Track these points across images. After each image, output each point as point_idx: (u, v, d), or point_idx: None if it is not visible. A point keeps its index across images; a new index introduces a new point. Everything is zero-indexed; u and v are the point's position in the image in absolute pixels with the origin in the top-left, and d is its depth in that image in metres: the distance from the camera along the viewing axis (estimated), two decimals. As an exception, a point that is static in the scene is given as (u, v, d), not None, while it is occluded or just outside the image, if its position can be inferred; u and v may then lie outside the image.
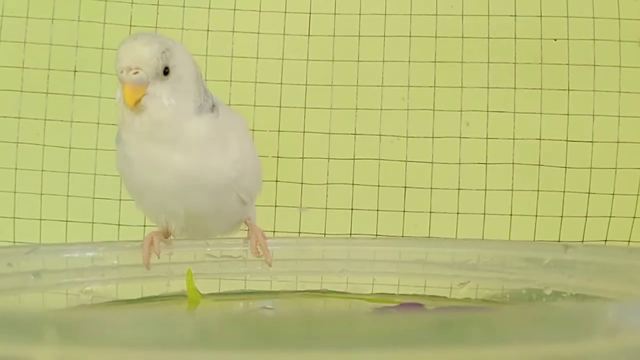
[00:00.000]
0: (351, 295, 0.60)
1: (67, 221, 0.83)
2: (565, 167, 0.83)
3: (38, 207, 0.83)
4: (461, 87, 0.84)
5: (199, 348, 0.21)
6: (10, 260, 0.53)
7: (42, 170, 0.84)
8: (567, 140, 0.84)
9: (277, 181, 0.84)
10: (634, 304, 0.25)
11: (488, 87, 0.84)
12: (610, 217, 0.82)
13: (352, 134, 0.85)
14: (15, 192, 0.83)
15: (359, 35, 0.85)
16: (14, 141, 0.84)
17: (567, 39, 0.84)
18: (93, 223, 0.84)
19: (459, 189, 0.84)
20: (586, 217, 0.82)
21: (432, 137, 0.85)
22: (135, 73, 0.49)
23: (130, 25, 0.84)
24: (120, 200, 0.83)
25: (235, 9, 0.85)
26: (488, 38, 0.84)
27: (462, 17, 0.85)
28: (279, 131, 0.85)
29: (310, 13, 0.85)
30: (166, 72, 0.50)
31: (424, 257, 0.61)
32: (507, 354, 0.22)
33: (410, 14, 0.85)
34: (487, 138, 0.84)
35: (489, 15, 0.84)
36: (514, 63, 0.84)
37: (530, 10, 0.84)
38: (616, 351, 0.23)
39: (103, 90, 0.84)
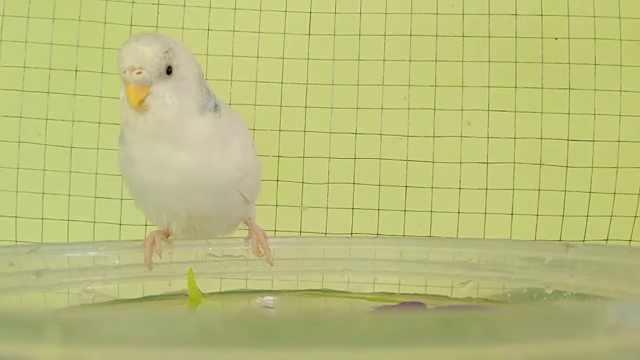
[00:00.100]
0: (352, 294, 0.60)
1: (68, 220, 0.84)
2: (567, 167, 0.83)
3: (40, 206, 0.83)
4: (462, 86, 0.84)
5: (200, 347, 0.21)
6: (12, 259, 0.53)
7: (44, 170, 0.84)
8: (568, 140, 0.84)
9: (277, 180, 0.84)
10: (635, 303, 0.25)
11: (489, 86, 0.84)
12: (611, 216, 0.82)
13: (353, 133, 0.85)
14: (17, 192, 0.83)
15: (360, 35, 0.85)
16: (16, 140, 0.84)
17: (568, 38, 0.84)
18: (94, 222, 0.84)
19: (460, 188, 0.84)
20: (587, 216, 0.82)
21: (433, 137, 0.85)
22: (138, 73, 0.49)
23: (131, 25, 0.84)
24: (121, 199, 0.83)
25: (235, 9, 0.86)
26: (489, 37, 0.84)
27: (463, 16, 0.85)
28: (279, 130, 0.85)
29: (310, 12, 0.85)
30: (169, 71, 0.50)
31: (425, 256, 0.61)
32: (508, 352, 0.22)
33: (411, 13, 0.85)
34: (488, 137, 0.84)
35: (489, 14, 0.84)
36: (515, 62, 0.84)
37: (531, 9, 0.84)
38: (617, 350, 0.23)
39: (104, 90, 0.84)
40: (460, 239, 0.80)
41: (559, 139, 0.84)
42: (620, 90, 0.83)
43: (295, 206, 0.84)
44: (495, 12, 0.84)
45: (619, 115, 0.83)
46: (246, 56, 0.85)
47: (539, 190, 0.84)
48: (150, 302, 0.57)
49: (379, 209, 0.84)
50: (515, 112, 0.84)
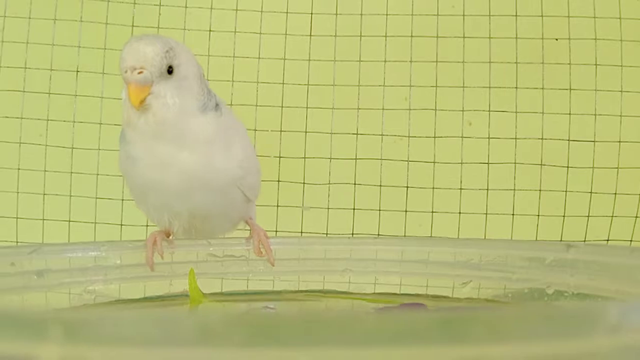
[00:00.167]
0: (353, 295, 0.60)
1: (69, 221, 0.84)
2: (567, 167, 0.83)
3: (41, 207, 0.83)
4: (463, 86, 0.84)
5: (201, 346, 0.21)
6: (13, 259, 0.53)
7: (45, 171, 0.84)
8: (569, 140, 0.84)
9: (279, 181, 0.84)
10: (635, 303, 0.25)
11: (490, 87, 0.84)
12: (612, 216, 0.82)
13: (354, 133, 0.85)
14: (18, 192, 0.84)
15: (361, 35, 0.85)
16: (17, 141, 0.84)
17: (569, 39, 0.84)
18: (95, 223, 0.84)
19: (461, 188, 0.84)
20: (588, 216, 0.82)
21: (434, 137, 0.85)
22: (139, 73, 0.49)
23: (132, 26, 0.84)
24: (122, 200, 0.83)
25: (237, 9, 0.86)
26: (489, 38, 0.84)
27: (464, 17, 0.85)
28: (280, 131, 0.85)
29: (311, 13, 0.85)
30: (170, 71, 0.50)
31: (426, 256, 0.61)
32: (509, 352, 0.22)
33: (412, 14, 0.85)
34: (489, 138, 0.84)
35: (490, 15, 0.84)
36: (516, 63, 0.84)
37: (531, 9, 0.84)
38: (618, 350, 0.23)
39: (105, 91, 0.84)
40: (461, 239, 0.80)
41: (559, 140, 0.84)
42: (621, 91, 0.83)
43: (297, 206, 0.84)
44: (495, 13, 0.84)
45: (620, 116, 0.83)
46: (247, 57, 0.85)
47: (539, 190, 0.84)
48: (152, 302, 0.57)
49: (380, 210, 0.84)
50: (516, 112, 0.84)
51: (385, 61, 0.85)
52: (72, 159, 0.84)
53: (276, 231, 0.83)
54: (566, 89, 0.84)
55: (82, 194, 0.84)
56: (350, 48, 0.85)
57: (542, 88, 0.84)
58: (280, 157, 0.85)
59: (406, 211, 0.84)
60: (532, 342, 0.22)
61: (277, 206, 0.84)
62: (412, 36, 0.85)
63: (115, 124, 0.81)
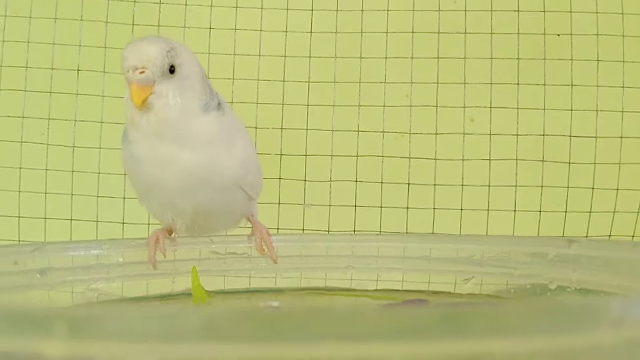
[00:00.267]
0: (356, 291, 0.60)
1: (71, 220, 0.84)
2: (569, 163, 0.83)
3: (43, 206, 0.84)
4: (464, 83, 0.84)
5: (205, 342, 0.21)
6: (16, 258, 0.53)
7: (47, 170, 0.84)
8: (571, 136, 0.84)
9: (280, 179, 0.84)
10: (638, 298, 0.25)
11: (491, 84, 0.84)
12: (614, 212, 0.82)
13: (355, 131, 0.85)
14: (20, 192, 0.84)
15: (362, 32, 0.85)
16: (19, 141, 0.84)
17: (571, 35, 0.84)
18: (98, 222, 0.84)
19: (463, 185, 0.84)
20: (590, 212, 0.82)
21: (436, 134, 0.85)
22: (141, 73, 0.49)
23: (133, 25, 0.84)
24: (124, 199, 0.83)
25: (237, 7, 0.86)
26: (491, 34, 0.84)
27: (465, 13, 0.85)
28: (282, 129, 0.85)
29: (312, 10, 0.85)
30: (172, 70, 0.50)
31: (429, 253, 0.62)
32: (512, 347, 0.22)
33: (413, 10, 0.85)
34: (490, 134, 0.84)
35: (492, 11, 0.84)
36: (518, 59, 0.84)
37: (533, 5, 0.84)
38: (620, 345, 0.23)
39: (107, 90, 0.84)
40: (464, 235, 0.80)
41: (561, 136, 0.84)
42: (623, 87, 0.83)
43: (298, 204, 0.84)
44: (497, 9, 0.84)
45: (622, 112, 0.83)
46: (248, 55, 0.85)
47: (542, 186, 0.84)
48: (155, 300, 0.57)
49: (381, 207, 0.84)
50: (517, 109, 0.84)
51: (386, 58, 0.85)
52: (74, 158, 0.84)
53: (278, 229, 0.83)
54: (568, 85, 0.84)
55: (84, 192, 0.84)
56: (351, 45, 0.85)
57: (544, 84, 0.84)
58: (281, 154, 0.85)
59: (408, 208, 0.84)
60: (534, 337, 0.22)
61: (279, 204, 0.84)
62: (413, 32, 0.85)
63: (116, 123, 0.81)
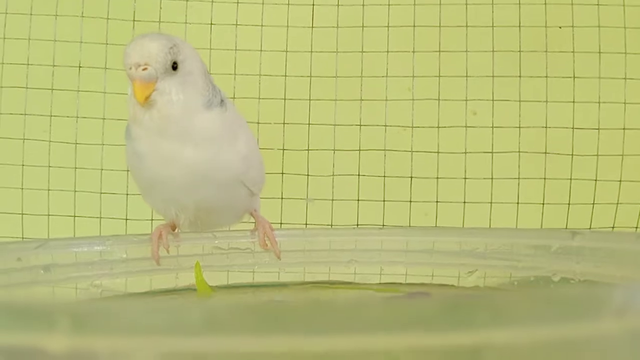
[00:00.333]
0: (359, 285, 0.60)
1: (74, 216, 0.84)
2: (572, 155, 0.83)
3: (46, 202, 0.84)
4: (466, 76, 0.84)
5: (208, 335, 0.21)
6: (19, 255, 0.53)
7: (49, 167, 0.84)
8: (573, 128, 0.83)
9: (283, 173, 0.84)
10: (641, 287, 0.25)
11: (493, 76, 0.84)
12: (617, 203, 0.82)
13: (357, 125, 0.85)
14: (22, 189, 0.84)
15: (363, 26, 0.85)
16: (21, 138, 0.84)
17: (572, 26, 0.83)
18: (101, 218, 0.84)
19: (465, 178, 0.84)
20: (593, 204, 0.82)
21: (438, 127, 0.84)
22: (144, 69, 0.49)
23: (134, 21, 0.84)
24: (127, 194, 0.83)
25: (238, 2, 0.85)
26: (492, 26, 0.84)
27: (466, 6, 0.84)
28: (284, 123, 0.85)
29: (313, 4, 0.85)
30: (175, 67, 0.50)
31: (431, 246, 0.61)
32: (515, 336, 0.22)
33: (414, 4, 0.85)
34: (493, 127, 0.84)
35: (493, 4, 0.84)
36: (519, 51, 0.84)
37: (534, -3, 0.84)
38: (623, 333, 0.23)
39: (108, 86, 0.84)
40: (467, 228, 0.80)
41: (564, 128, 0.84)
42: (624, 78, 0.83)
43: (301, 199, 0.84)
44: (498, 1, 0.84)
45: (624, 103, 0.83)
46: (249, 50, 0.85)
47: (544, 179, 0.84)
48: (158, 295, 0.57)
49: (384, 200, 0.84)
50: (519, 101, 0.84)
51: (387, 52, 0.85)
52: (76, 155, 0.84)
53: (281, 223, 0.83)
54: (570, 77, 0.84)
55: (87, 189, 0.84)
56: (352, 39, 0.85)
57: (546, 76, 0.84)
58: (283, 149, 0.85)
59: (411, 201, 0.84)
60: (538, 326, 0.22)
61: (282, 198, 0.84)
62: (414, 26, 0.85)
63: (118, 119, 0.81)
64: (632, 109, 0.83)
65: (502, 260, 0.57)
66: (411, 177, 0.84)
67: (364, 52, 0.85)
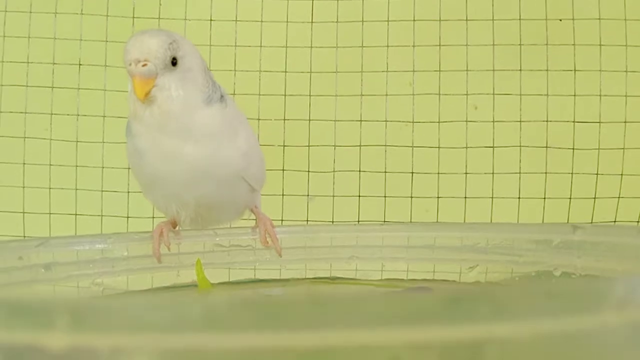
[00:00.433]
0: (360, 281, 0.60)
1: (76, 215, 0.84)
2: (573, 149, 0.83)
3: (47, 201, 0.84)
4: (467, 70, 0.84)
5: (208, 331, 0.21)
6: (20, 253, 0.53)
7: (50, 165, 0.84)
8: (574, 122, 0.83)
9: (283, 170, 0.84)
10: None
11: (494, 70, 0.84)
12: (618, 197, 0.82)
13: (357, 120, 0.85)
14: (23, 187, 0.84)
15: (363, 21, 0.85)
16: (21, 136, 0.84)
17: (573, 19, 0.83)
18: (102, 216, 0.84)
19: (466, 173, 0.84)
20: (595, 198, 0.82)
21: (439, 122, 0.84)
22: (143, 65, 0.49)
23: (134, 17, 0.84)
24: (128, 192, 0.83)
25: (237, -2, 0.85)
26: (492, 20, 0.84)
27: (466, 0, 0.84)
28: (284, 120, 0.85)
29: (312, 0, 0.85)
30: (174, 63, 0.50)
31: (433, 242, 0.61)
32: (516, 330, 0.22)
33: (414, -2, 0.84)
34: (493, 121, 0.84)
35: (493, -3, 0.84)
36: (520, 45, 0.84)
37: (534, -9, 0.84)
38: (624, 327, 0.23)
39: (108, 83, 0.84)
40: (468, 223, 0.80)
41: (565, 121, 0.83)
42: (625, 71, 0.83)
43: (302, 195, 0.84)
44: (498, -6, 0.84)
45: (625, 96, 0.83)
46: (249, 46, 0.85)
47: (545, 173, 0.83)
48: (160, 293, 0.57)
49: (385, 196, 0.84)
50: (520, 95, 0.84)
51: (387, 46, 0.85)
52: (77, 153, 0.84)
53: (282, 220, 0.83)
54: (571, 70, 0.83)
55: (88, 187, 0.84)
56: (352, 34, 0.85)
57: (547, 70, 0.83)
58: (284, 145, 0.85)
59: (412, 197, 0.84)
60: (539, 320, 0.22)
61: (283, 195, 0.84)
62: (414, 20, 0.84)
63: (118, 116, 0.81)
64: (633, 102, 0.83)
65: (503, 255, 0.57)
66: (412, 173, 0.84)
67: (364, 47, 0.85)
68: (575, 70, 0.83)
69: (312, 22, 0.85)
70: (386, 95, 0.85)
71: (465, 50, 0.84)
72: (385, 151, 0.85)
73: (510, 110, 0.84)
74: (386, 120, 0.85)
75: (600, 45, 0.83)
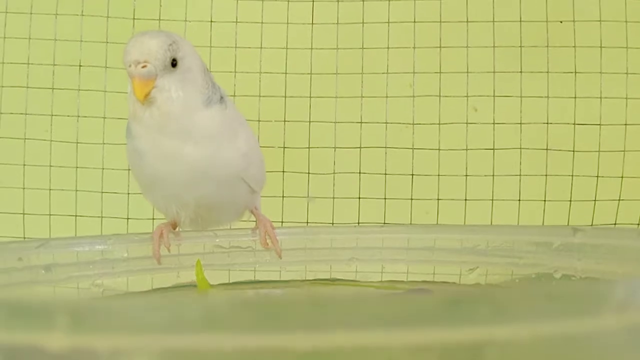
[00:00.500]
0: (360, 283, 0.60)
1: (76, 216, 0.84)
2: (573, 151, 0.83)
3: (47, 202, 0.84)
4: (467, 72, 0.84)
5: (207, 332, 0.21)
6: (20, 254, 0.53)
7: (50, 166, 0.84)
8: (574, 124, 0.83)
9: (283, 171, 0.84)
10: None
11: (494, 72, 0.84)
12: (619, 200, 0.82)
13: (358, 122, 0.85)
14: (24, 188, 0.84)
15: (363, 23, 0.85)
16: (21, 137, 0.84)
17: (573, 21, 0.83)
18: (102, 217, 0.84)
19: (466, 175, 0.84)
20: (595, 200, 0.82)
21: (439, 124, 0.84)
22: (143, 66, 0.49)
23: (134, 19, 0.84)
24: (128, 194, 0.83)
25: None
26: (493, 22, 0.84)
27: (467, 1, 0.84)
28: (284, 121, 0.85)
29: (313, 1, 0.85)
30: (174, 64, 0.50)
31: (433, 243, 0.61)
32: (516, 332, 0.22)
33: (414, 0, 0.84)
34: (494, 123, 0.84)
35: (493, -1, 0.84)
36: (520, 46, 0.83)
37: (535, -8, 0.84)
38: (624, 329, 0.23)
39: (108, 85, 0.84)
40: (468, 225, 0.80)
41: (565, 124, 0.83)
42: (626, 73, 0.83)
43: (302, 197, 0.84)
44: (499, -4, 0.84)
45: (626, 98, 0.83)
46: (249, 47, 0.85)
47: (546, 175, 0.83)
48: (160, 294, 0.57)
49: (385, 198, 0.84)
50: (521, 97, 0.84)
51: (388, 48, 0.85)
52: (77, 154, 0.84)
53: (282, 221, 0.83)
54: (571, 72, 0.83)
55: (88, 188, 0.84)
56: (352, 36, 0.85)
57: (547, 72, 0.83)
58: (284, 147, 0.85)
59: (412, 199, 0.84)
60: (539, 323, 0.22)
61: (283, 197, 0.84)
62: (414, 22, 0.84)
63: (119, 118, 0.81)
64: (634, 104, 0.83)
65: (503, 258, 0.57)
66: (412, 175, 0.84)
67: (364, 48, 0.85)
68: (575, 72, 0.83)
69: (312, 23, 0.85)
70: (386, 97, 0.85)
71: (466, 52, 0.84)
72: (386, 153, 0.85)
73: (510, 112, 0.84)
74: (386, 122, 0.85)
75: (600, 47, 0.83)
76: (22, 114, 0.84)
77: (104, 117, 0.84)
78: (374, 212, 0.84)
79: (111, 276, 0.57)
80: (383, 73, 0.85)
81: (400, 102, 0.85)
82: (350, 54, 0.85)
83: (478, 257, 0.58)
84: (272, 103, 0.85)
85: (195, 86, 0.52)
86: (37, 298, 0.20)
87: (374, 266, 0.62)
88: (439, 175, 0.84)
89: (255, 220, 0.60)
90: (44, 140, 0.84)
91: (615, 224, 0.82)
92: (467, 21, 0.84)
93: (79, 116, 0.85)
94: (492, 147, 0.84)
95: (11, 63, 0.84)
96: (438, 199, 0.84)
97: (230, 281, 0.61)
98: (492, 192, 0.83)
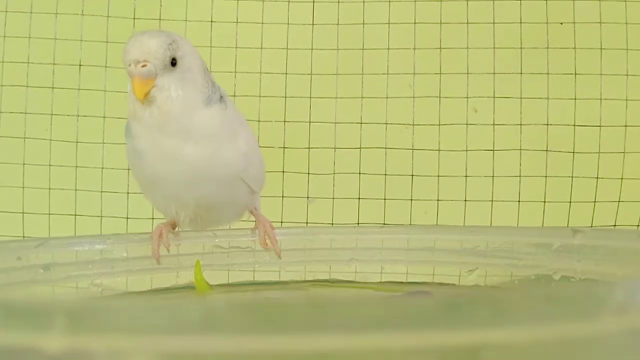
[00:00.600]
0: (360, 284, 0.60)
1: (75, 215, 0.84)
2: (573, 152, 0.83)
3: (46, 201, 0.84)
4: (467, 73, 0.84)
5: (206, 333, 0.21)
6: (19, 254, 0.53)
7: (50, 165, 0.84)
8: (574, 125, 0.83)
9: (283, 172, 0.84)
10: (642, 284, 0.24)
11: (494, 73, 0.84)
12: (619, 201, 0.82)
13: (358, 123, 0.85)
14: (23, 187, 0.84)
15: (363, 23, 0.85)
16: (21, 137, 0.84)
17: (574, 23, 0.83)
18: (101, 217, 0.84)
19: (466, 176, 0.84)
20: (595, 202, 0.82)
21: (439, 125, 0.84)
22: (143, 66, 0.49)
23: (134, 18, 0.84)
24: (128, 193, 0.83)
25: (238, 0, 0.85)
26: (493, 23, 0.84)
27: (467, 3, 0.84)
28: (284, 121, 0.85)
29: (313, 1, 0.85)
30: (174, 63, 0.50)
31: (432, 244, 0.61)
32: (514, 335, 0.22)
33: (415, 1, 0.84)
34: (494, 124, 0.84)
35: (493, 0, 0.84)
36: (520, 48, 0.84)
37: (535, -6, 0.84)
38: (624, 332, 0.23)
39: (108, 84, 0.84)
40: (467, 226, 0.80)
41: (565, 125, 0.83)
42: (626, 75, 0.83)
43: (302, 197, 0.84)
44: (499, -3, 0.84)
45: (625, 100, 0.83)
46: (250, 47, 0.85)
47: (545, 176, 0.83)
48: (159, 294, 0.57)
49: (385, 199, 0.84)
50: (521, 98, 0.84)
51: (388, 49, 0.85)
52: (77, 153, 0.84)
53: (282, 222, 0.83)
54: (571, 74, 0.83)
55: (88, 187, 0.84)
56: (353, 36, 0.85)
57: (547, 73, 0.83)
58: (284, 147, 0.85)
59: (411, 200, 0.84)
60: (538, 325, 0.22)
61: (282, 197, 0.84)
62: (415, 23, 0.84)
63: (119, 117, 0.81)
64: (634, 106, 0.83)
65: (503, 259, 0.57)
66: (412, 175, 0.84)
67: (365, 49, 0.85)
68: (575, 73, 0.83)
69: (312, 24, 0.85)
70: (386, 97, 0.85)
71: (466, 53, 0.84)
72: (385, 153, 0.85)
73: (510, 113, 0.84)
74: (386, 123, 0.85)
75: (601, 48, 0.83)
76: (22, 113, 0.84)
77: (104, 117, 0.84)
78: (373, 213, 0.84)
79: (110, 276, 0.57)
80: (383, 74, 0.85)
81: (400, 102, 0.85)
82: (350, 54, 0.85)
83: (477, 258, 0.58)
84: (272, 103, 0.85)
85: (195, 85, 0.52)
86: (36, 298, 0.20)
87: (373, 267, 0.62)
88: (438, 176, 0.84)
89: (254, 220, 0.60)
90: (44, 139, 0.84)
91: (615, 225, 0.82)
92: (468, 22, 0.84)
93: (78, 115, 0.85)
94: (492, 148, 0.84)
95: (11, 62, 0.84)
96: (438, 200, 0.84)
97: (230, 281, 0.60)
98: (492, 193, 0.83)
